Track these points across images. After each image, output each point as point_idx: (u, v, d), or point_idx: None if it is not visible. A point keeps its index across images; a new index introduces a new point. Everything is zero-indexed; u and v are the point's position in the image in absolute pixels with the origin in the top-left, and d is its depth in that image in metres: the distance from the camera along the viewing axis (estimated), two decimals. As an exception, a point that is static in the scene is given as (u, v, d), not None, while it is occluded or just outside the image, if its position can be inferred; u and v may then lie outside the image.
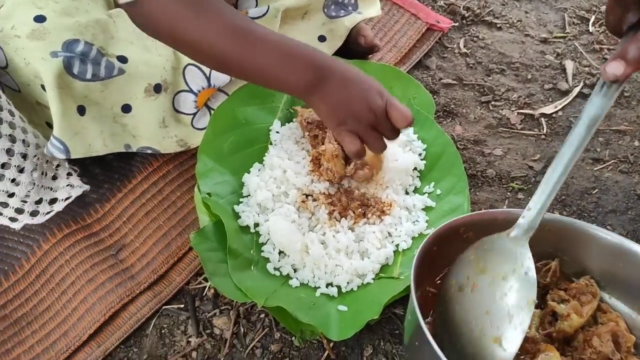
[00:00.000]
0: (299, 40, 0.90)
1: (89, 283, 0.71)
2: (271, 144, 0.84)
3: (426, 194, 0.81)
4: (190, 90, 0.82)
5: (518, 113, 0.98)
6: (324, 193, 0.78)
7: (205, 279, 0.75)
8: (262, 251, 0.73)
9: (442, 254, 0.64)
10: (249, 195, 0.78)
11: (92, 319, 0.69)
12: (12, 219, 0.71)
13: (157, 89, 0.78)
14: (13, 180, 0.68)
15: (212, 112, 0.84)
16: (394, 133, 0.70)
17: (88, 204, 0.78)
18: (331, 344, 0.69)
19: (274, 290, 0.69)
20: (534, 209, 0.60)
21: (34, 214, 0.71)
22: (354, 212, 0.77)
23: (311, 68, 0.65)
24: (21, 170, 0.68)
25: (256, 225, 0.75)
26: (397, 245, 0.76)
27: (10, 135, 0.67)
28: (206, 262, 0.67)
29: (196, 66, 0.80)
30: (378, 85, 0.69)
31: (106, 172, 0.81)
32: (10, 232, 0.74)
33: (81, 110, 0.73)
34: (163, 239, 0.77)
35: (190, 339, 0.70)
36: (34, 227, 0.73)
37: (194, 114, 0.83)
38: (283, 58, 0.64)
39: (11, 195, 0.69)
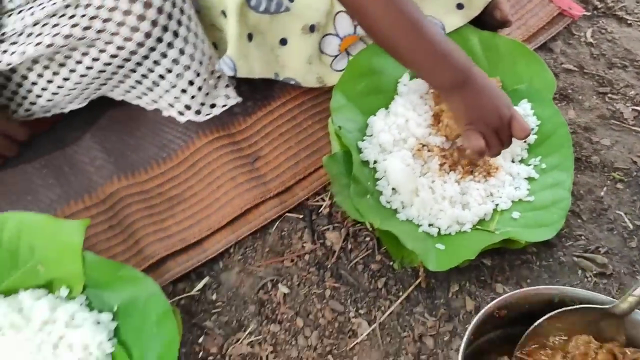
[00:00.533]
0: (439, 4, 0.97)
1: (231, 181, 0.84)
2: (398, 94, 0.93)
3: (532, 166, 0.88)
4: (337, 35, 0.92)
5: (633, 109, 1.01)
6: (439, 146, 0.86)
7: (323, 199, 0.87)
8: (377, 185, 0.84)
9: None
10: (372, 135, 0.88)
11: (230, 210, 0.82)
12: (180, 113, 0.84)
13: (312, 29, 0.88)
14: (189, 82, 0.81)
15: (351, 57, 0.94)
16: (509, 142, 0.79)
17: (234, 115, 0.91)
18: (425, 274, 0.79)
19: (385, 219, 0.80)
20: None
21: (197, 112, 0.84)
22: (462, 168, 0.86)
23: (459, 72, 0.74)
24: (197, 74, 0.81)
25: (375, 162, 0.85)
26: (496, 205, 0.84)
27: (194, 43, 0.79)
28: (334, 182, 0.79)
29: (346, 13, 0.90)
30: (508, 99, 0.78)
31: (252, 91, 0.93)
32: (173, 126, 0.88)
33: (250, 37, 0.84)
34: (293, 158, 0.88)
35: (305, 244, 0.83)
36: (192, 125, 0.87)
37: (335, 57, 0.93)
38: (439, 58, 0.74)
39: (184, 91, 0.82)
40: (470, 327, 0.64)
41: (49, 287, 0.71)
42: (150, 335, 0.68)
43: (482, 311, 0.66)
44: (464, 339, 0.63)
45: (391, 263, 0.81)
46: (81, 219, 0.70)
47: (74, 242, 0.69)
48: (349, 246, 0.83)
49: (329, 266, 0.81)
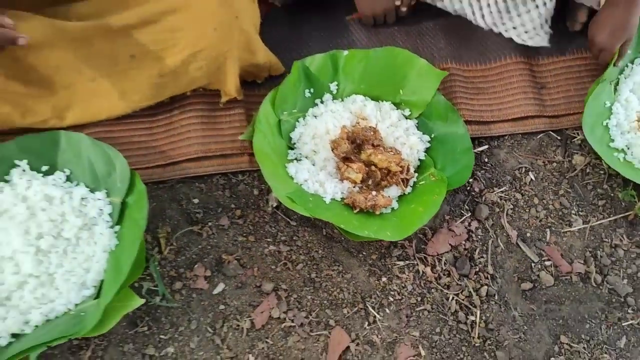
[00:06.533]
0: None
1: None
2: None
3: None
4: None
5: None
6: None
7: (578, 134, 1.17)
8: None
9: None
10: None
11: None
12: (517, 36, 1.17)
13: None
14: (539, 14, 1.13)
15: None
16: None
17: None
18: (637, 211, 1.07)
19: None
20: None
21: (530, 38, 1.17)
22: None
23: None
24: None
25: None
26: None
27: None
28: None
29: None
30: None
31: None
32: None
33: None
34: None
35: (556, 156, 1.14)
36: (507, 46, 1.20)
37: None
38: None
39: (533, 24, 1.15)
40: None
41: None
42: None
43: None
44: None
45: (612, 195, 1.11)
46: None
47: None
48: (587, 170, 1.13)
49: (567, 176, 1.12)
